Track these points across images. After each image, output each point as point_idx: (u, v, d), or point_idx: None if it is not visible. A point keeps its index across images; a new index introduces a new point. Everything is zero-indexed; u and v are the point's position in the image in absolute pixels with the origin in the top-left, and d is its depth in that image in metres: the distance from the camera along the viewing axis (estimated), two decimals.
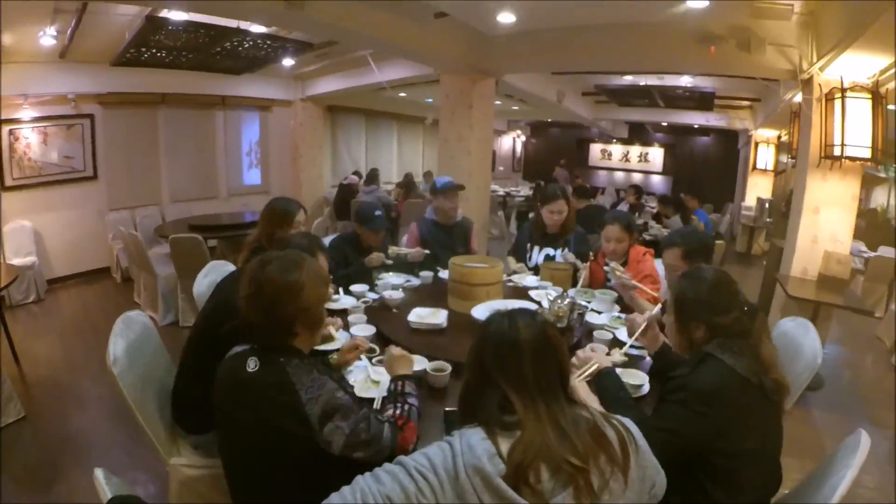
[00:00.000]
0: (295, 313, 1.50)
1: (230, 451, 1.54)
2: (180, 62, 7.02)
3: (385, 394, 1.75)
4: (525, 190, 13.00)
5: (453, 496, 1.04)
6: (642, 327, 2.06)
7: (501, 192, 12.26)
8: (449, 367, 1.96)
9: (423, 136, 13.97)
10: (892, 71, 4.18)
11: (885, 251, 6.84)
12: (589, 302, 2.85)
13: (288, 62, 7.58)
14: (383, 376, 1.91)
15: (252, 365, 1.46)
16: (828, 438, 3.62)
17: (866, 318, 6.00)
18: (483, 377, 1.19)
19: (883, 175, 10.25)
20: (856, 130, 4.42)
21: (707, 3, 4.31)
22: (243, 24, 5.48)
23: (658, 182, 16.14)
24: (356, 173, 9.91)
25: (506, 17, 5.09)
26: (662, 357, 2.05)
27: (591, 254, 3.30)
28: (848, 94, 4.41)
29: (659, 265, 3.02)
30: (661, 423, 1.50)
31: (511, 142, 17.27)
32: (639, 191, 9.04)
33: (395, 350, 1.89)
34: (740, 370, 1.49)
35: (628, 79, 8.78)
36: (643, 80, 8.76)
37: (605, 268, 3.14)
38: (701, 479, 1.49)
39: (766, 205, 10.22)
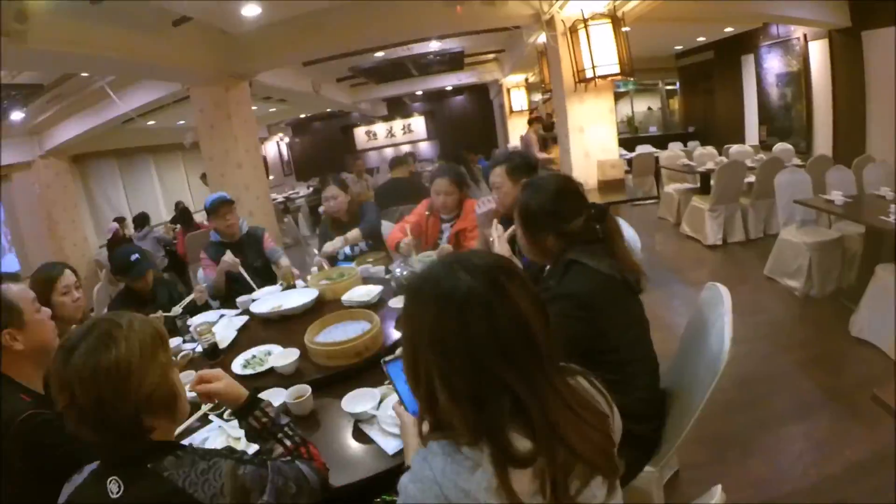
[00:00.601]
0: (135, 406, 1.05)
1: None
2: None
3: (249, 440, 1.37)
4: (304, 190, 12.59)
5: None
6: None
7: (280, 198, 11.68)
8: (309, 390, 1.72)
9: (184, 162, 12.67)
10: None
11: (641, 149, 8.23)
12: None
13: (17, 115, 6.25)
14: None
15: (115, 489, 1.03)
16: (662, 310, 4.01)
17: (644, 207, 7.46)
18: (480, 379, 0.82)
19: (623, 89, 12.03)
20: (602, 52, 4.98)
21: None
22: None
23: (425, 147, 16.82)
24: (117, 220, 8.57)
25: (251, 10, 4.64)
26: None
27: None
28: (590, 23, 4.90)
29: None
30: None
31: (276, 146, 16.48)
32: (413, 157, 9.18)
33: (212, 378, 1.36)
34: (605, 270, 1.54)
35: (380, 55, 8.82)
36: (395, 53, 8.87)
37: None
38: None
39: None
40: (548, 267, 1.76)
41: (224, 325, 2.51)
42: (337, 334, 2.05)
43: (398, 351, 1.31)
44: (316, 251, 3.60)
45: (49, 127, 7.77)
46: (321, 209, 3.83)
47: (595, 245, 1.59)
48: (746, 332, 3.57)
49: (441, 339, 0.83)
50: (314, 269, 3.31)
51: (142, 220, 7.90)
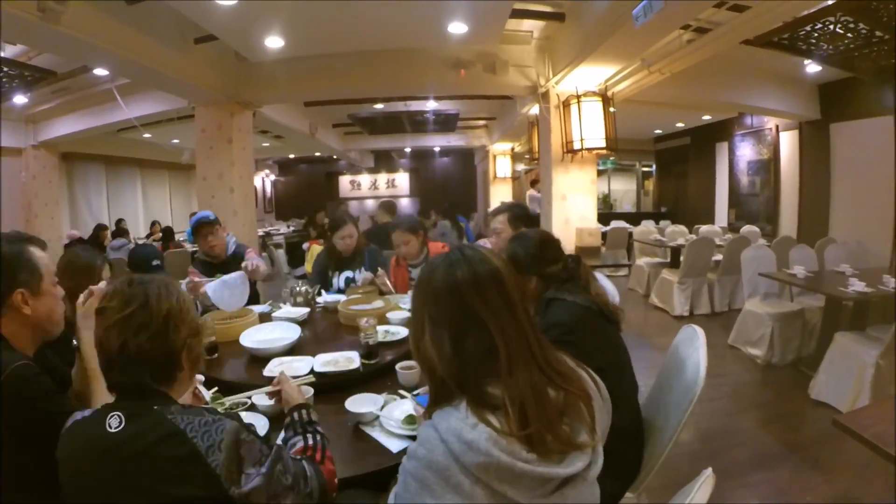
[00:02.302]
0: (185, 338, 1.18)
1: None
2: None
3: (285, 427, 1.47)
4: (283, 228, 12.67)
5: None
6: None
7: (261, 232, 11.72)
8: (311, 390, 1.79)
9: (170, 181, 12.69)
10: (616, 79, 5.21)
11: (616, 224, 8.68)
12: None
13: (20, 100, 6.25)
14: (252, 419, 1.66)
15: (115, 423, 1.07)
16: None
17: (615, 278, 7.75)
18: (464, 321, 0.99)
19: (602, 167, 12.66)
20: (591, 127, 5.40)
21: (466, 28, 4.72)
22: None
23: (406, 204, 17.14)
24: (100, 227, 8.37)
25: (274, 42, 4.90)
26: None
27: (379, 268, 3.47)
28: (582, 99, 5.33)
29: None
30: None
31: (260, 182, 16.60)
32: (391, 205, 9.29)
33: (289, 384, 1.62)
34: (582, 302, 1.75)
35: (379, 107, 9.18)
36: (393, 108, 9.26)
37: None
38: None
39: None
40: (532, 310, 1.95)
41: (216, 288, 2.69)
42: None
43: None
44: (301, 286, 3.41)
45: (47, 118, 7.81)
46: (305, 246, 3.92)
47: (570, 283, 1.81)
48: (709, 392, 3.74)
49: (434, 291, 1.04)
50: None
51: (121, 231, 7.83)
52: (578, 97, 5.38)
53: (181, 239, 8.76)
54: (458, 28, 4.74)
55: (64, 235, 8.62)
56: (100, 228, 8.23)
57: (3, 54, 4.79)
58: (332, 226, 3.60)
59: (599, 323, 1.76)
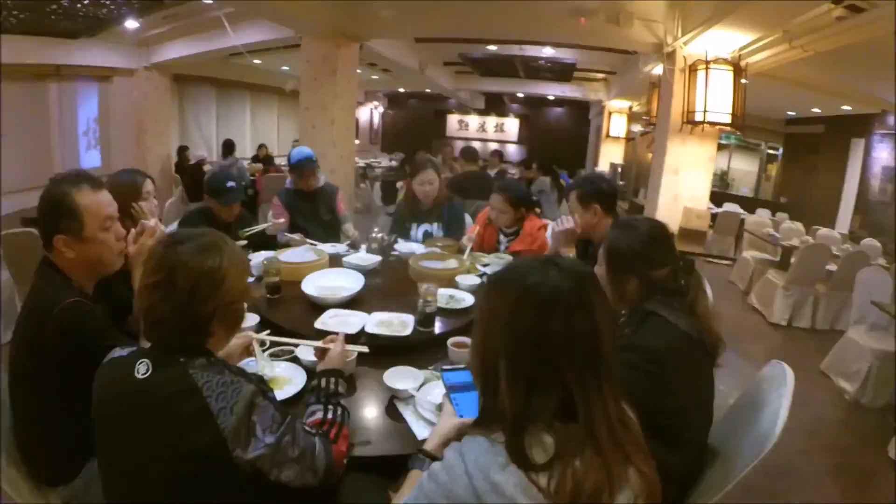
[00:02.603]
0: (215, 308, 1.15)
1: (119, 488, 1.16)
2: (9, 25, 5.75)
3: (307, 392, 1.45)
4: (385, 161, 12.78)
5: None
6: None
7: (362, 163, 11.92)
8: (355, 352, 1.67)
9: (279, 107, 13.10)
10: (752, 49, 4.62)
11: (729, 207, 7.95)
12: (486, 265, 2.76)
13: (132, 24, 6.55)
14: (290, 371, 1.65)
15: (143, 369, 1.11)
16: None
17: (717, 266, 7.11)
18: (539, 367, 0.85)
19: (724, 141, 11.68)
20: (717, 99, 4.88)
21: None
22: None
23: (513, 151, 16.77)
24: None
25: None
26: None
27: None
28: (711, 66, 4.79)
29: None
30: None
31: (368, 113, 16.82)
32: (500, 156, 9.08)
33: (338, 348, 1.54)
34: (683, 327, 1.47)
35: (493, 48, 8.82)
36: (507, 50, 8.86)
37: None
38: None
39: (619, 169, 11.09)
40: (623, 312, 1.67)
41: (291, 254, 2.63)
42: None
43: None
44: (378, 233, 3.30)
45: (159, 42, 8.15)
46: (399, 184, 3.83)
47: (676, 298, 1.53)
48: (787, 421, 3.43)
49: (517, 327, 0.87)
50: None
51: (229, 148, 8.15)
52: (707, 63, 4.84)
53: (282, 165, 9.02)
54: None
55: (173, 153, 9.13)
56: (182, 150, 8.64)
57: None
58: (413, 170, 3.43)
59: (696, 356, 1.50)
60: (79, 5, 5.48)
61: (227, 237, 1.23)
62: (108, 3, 5.51)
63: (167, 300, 1.11)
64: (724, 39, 4.66)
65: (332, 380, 1.42)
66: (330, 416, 1.32)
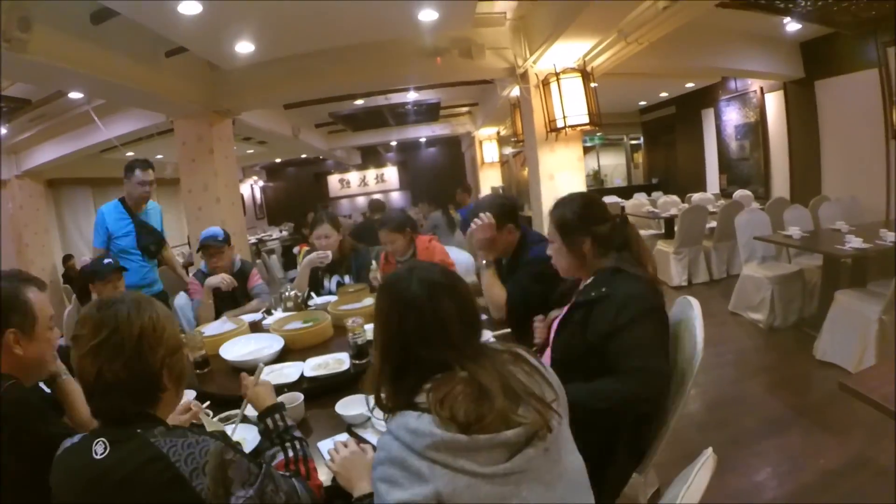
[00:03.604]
0: (163, 358, 1.14)
1: None
2: None
3: (261, 435, 1.46)
4: (276, 233, 12.58)
5: (432, 494, 0.89)
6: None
7: (253, 239, 11.65)
8: (301, 396, 1.77)
9: (158, 197, 12.44)
10: (593, 54, 5.13)
11: (608, 199, 8.63)
12: None
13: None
14: (242, 431, 1.63)
15: (100, 449, 1.06)
16: None
17: None
18: (405, 352, 1.09)
19: (589, 144, 12.61)
20: (573, 104, 5.30)
21: (436, 15, 4.62)
22: None
23: (397, 197, 17.11)
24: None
25: (245, 48, 4.80)
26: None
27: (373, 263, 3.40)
28: (562, 76, 5.25)
29: (452, 250, 3.51)
30: (640, 352, 1.56)
31: (249, 189, 16.50)
32: (379, 204, 9.20)
33: (250, 379, 1.58)
34: (643, 276, 1.70)
35: (360, 103, 9.05)
36: (374, 102, 9.11)
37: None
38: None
39: (501, 190, 11.68)
40: (584, 282, 1.83)
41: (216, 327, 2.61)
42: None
43: None
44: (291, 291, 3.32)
45: (28, 147, 7.71)
46: (295, 249, 3.85)
47: (624, 254, 1.74)
48: (713, 360, 3.75)
49: (387, 324, 1.13)
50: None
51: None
52: (557, 75, 5.28)
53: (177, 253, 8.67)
54: (428, 15, 4.64)
55: (58, 263, 8.63)
56: (67, 259, 8.33)
57: None
58: (311, 228, 3.54)
59: (661, 297, 1.71)
60: None
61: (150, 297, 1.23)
62: None
63: (116, 357, 1.09)
64: (568, 51, 5.11)
65: (276, 416, 1.44)
66: (291, 453, 1.34)
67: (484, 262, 2.49)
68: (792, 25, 5.91)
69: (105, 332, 1.10)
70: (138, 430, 1.08)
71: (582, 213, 1.80)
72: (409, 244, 3.37)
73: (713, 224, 6.01)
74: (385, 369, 1.11)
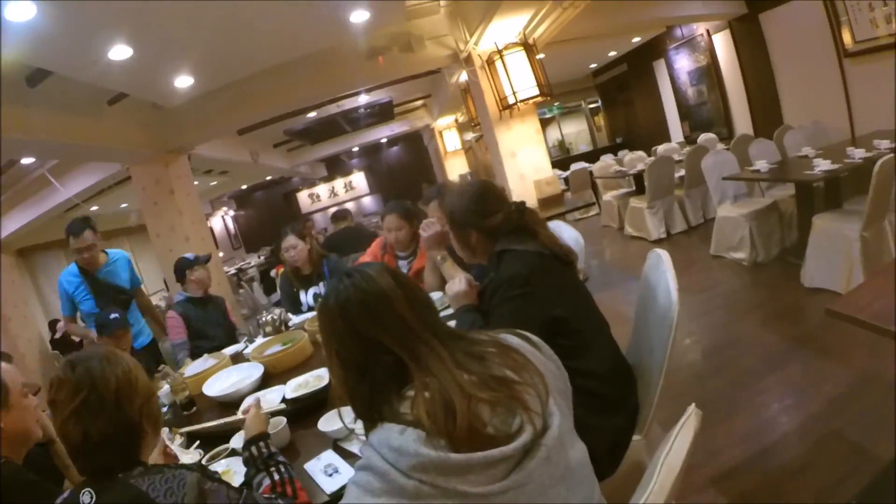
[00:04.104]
0: (141, 406, 1.18)
1: None
2: None
3: (245, 465, 1.45)
4: (255, 260, 12.44)
5: None
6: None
7: (233, 270, 11.50)
8: (284, 420, 1.74)
9: (130, 245, 12.36)
10: (532, 25, 5.08)
11: (576, 166, 8.59)
12: None
13: None
14: (231, 464, 1.64)
15: (87, 500, 1.08)
16: (621, 305, 3.92)
17: (587, 219, 7.93)
18: (363, 347, 0.99)
19: (549, 115, 12.60)
20: (521, 78, 5.28)
21: (367, 14, 4.56)
22: None
23: (370, 202, 17.01)
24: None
25: (184, 82, 4.71)
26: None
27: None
28: (505, 53, 5.21)
29: None
30: (500, 326, 1.52)
31: (221, 221, 16.32)
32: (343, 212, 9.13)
33: (252, 411, 1.58)
34: (533, 248, 1.66)
35: (312, 115, 8.97)
36: (326, 112, 9.05)
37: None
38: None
39: (469, 177, 11.65)
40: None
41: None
42: None
43: None
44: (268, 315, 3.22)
45: None
46: (273, 273, 3.88)
47: (519, 233, 1.71)
48: (702, 307, 3.73)
49: (333, 330, 1.03)
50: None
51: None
52: (500, 52, 5.24)
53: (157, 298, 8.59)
54: (360, 16, 4.59)
55: (43, 330, 8.41)
56: (52, 324, 8.18)
57: None
58: (277, 246, 3.54)
59: (555, 266, 1.68)
60: None
61: (115, 350, 1.24)
62: None
63: (99, 415, 1.11)
64: (507, 27, 5.09)
65: (260, 444, 1.43)
66: (277, 477, 1.33)
67: (439, 257, 2.43)
68: None
69: (84, 392, 1.11)
70: (119, 476, 1.10)
71: (471, 206, 1.78)
72: (413, 238, 3.11)
73: (682, 173, 6.01)
74: (349, 378, 1.02)
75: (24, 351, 7.73)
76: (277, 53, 5.16)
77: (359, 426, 1.55)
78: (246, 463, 1.42)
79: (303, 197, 17.27)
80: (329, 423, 1.68)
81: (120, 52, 3.67)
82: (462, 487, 0.82)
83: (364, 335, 0.99)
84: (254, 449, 1.41)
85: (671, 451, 0.97)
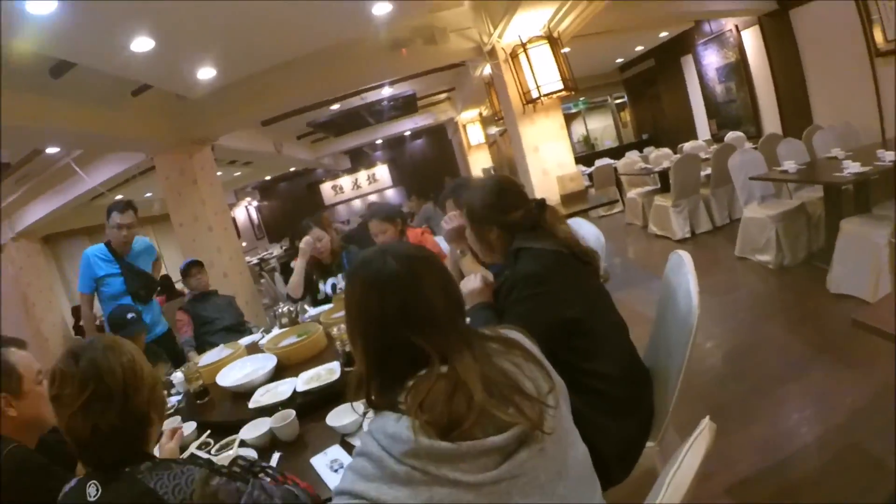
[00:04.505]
0: (147, 396, 1.17)
1: None
2: None
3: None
4: (277, 251, 12.55)
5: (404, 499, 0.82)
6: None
7: (255, 260, 11.63)
8: (293, 413, 1.74)
9: (154, 235, 12.55)
10: (557, 18, 5.00)
11: (600, 162, 8.47)
12: None
13: None
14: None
15: (93, 492, 1.08)
16: (642, 305, 3.76)
17: (611, 216, 7.78)
18: (387, 338, 0.97)
19: (574, 110, 12.46)
20: (545, 72, 5.21)
21: (390, 6, 4.53)
22: None
23: (393, 195, 16.97)
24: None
25: (206, 73, 4.74)
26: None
27: None
28: (529, 46, 5.13)
29: (440, 241, 3.38)
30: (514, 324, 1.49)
31: (245, 211, 16.51)
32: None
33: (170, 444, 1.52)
34: (550, 247, 1.62)
35: (336, 107, 8.97)
36: (350, 104, 9.03)
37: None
38: (571, 363, 1.49)
39: (492, 171, 11.57)
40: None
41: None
42: None
43: None
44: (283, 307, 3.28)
45: (18, 208, 7.79)
46: (292, 263, 3.95)
47: (537, 231, 1.68)
48: (726, 309, 3.65)
49: (366, 310, 1.00)
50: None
51: None
52: (524, 45, 5.17)
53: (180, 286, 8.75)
54: (382, 8, 4.56)
55: (67, 316, 8.71)
56: (76, 310, 8.38)
57: None
58: (300, 234, 3.57)
59: (573, 266, 1.64)
60: None
61: (118, 338, 1.24)
62: None
63: (108, 408, 1.10)
64: (532, 19, 5.02)
65: (239, 461, 1.33)
66: (271, 472, 1.30)
67: (459, 251, 2.39)
68: None
69: (91, 386, 1.10)
70: (126, 470, 1.09)
71: (492, 201, 1.75)
72: (398, 236, 3.31)
73: (708, 171, 5.89)
74: (368, 364, 1.00)
75: (47, 335, 8.00)
76: (300, 45, 5.16)
77: (367, 420, 1.57)
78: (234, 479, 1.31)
79: (326, 188, 17.32)
80: (338, 417, 1.68)
81: (142, 43, 3.69)
82: (453, 475, 0.82)
83: (390, 329, 0.96)
84: (235, 468, 1.30)
85: (680, 468, 0.94)
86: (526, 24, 5.07)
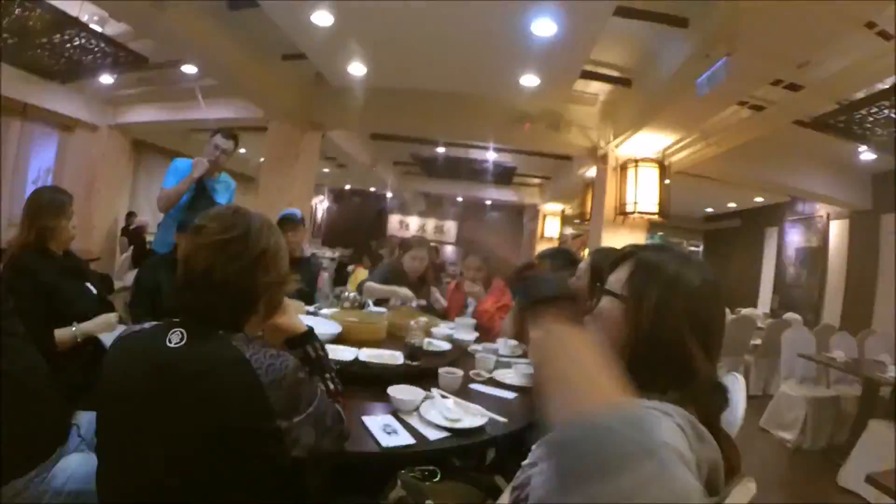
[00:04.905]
0: (269, 284, 1.16)
1: (125, 475, 1.05)
2: None
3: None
4: (329, 253, 12.91)
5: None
6: None
7: (309, 252, 11.95)
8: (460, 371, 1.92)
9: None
10: (674, 148, 5.35)
11: None
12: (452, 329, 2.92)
13: (107, 79, 6.50)
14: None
15: (177, 339, 1.04)
16: None
17: None
18: (662, 353, 0.89)
19: (649, 241, 12.60)
20: (645, 192, 5.49)
21: (537, 81, 4.94)
22: (84, 16, 4.67)
23: (450, 252, 17.31)
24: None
25: (357, 69, 5.18)
26: None
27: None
28: (640, 164, 5.46)
29: None
30: None
31: (313, 206, 17.11)
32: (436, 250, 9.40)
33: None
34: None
35: (441, 150, 9.44)
36: (453, 152, 9.50)
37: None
38: None
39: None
40: None
41: None
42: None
43: None
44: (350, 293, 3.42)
45: (127, 103, 8.04)
46: (350, 268, 4.09)
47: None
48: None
49: (700, 308, 0.92)
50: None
51: None
52: (636, 161, 5.51)
53: None
54: (530, 81, 4.95)
55: (120, 217, 9.08)
56: (130, 216, 9.07)
57: (104, 31, 4.99)
58: (406, 245, 3.71)
59: None
60: (68, 45, 5.35)
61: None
62: (96, 51, 5.42)
63: (235, 260, 1.09)
64: (649, 141, 5.35)
65: (316, 344, 1.35)
66: (332, 386, 1.30)
67: None
68: (866, 155, 6.02)
69: (234, 233, 1.11)
70: (220, 332, 1.08)
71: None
72: (485, 278, 3.47)
73: (758, 341, 5.96)
74: (635, 358, 0.89)
75: (96, 224, 8.24)
76: (443, 80, 5.53)
77: (425, 405, 1.67)
78: (302, 361, 1.25)
79: (394, 219, 17.80)
80: (400, 392, 1.70)
81: (322, 17, 4.02)
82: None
83: (677, 344, 0.88)
84: (310, 350, 1.33)
85: None
86: (643, 143, 5.43)
